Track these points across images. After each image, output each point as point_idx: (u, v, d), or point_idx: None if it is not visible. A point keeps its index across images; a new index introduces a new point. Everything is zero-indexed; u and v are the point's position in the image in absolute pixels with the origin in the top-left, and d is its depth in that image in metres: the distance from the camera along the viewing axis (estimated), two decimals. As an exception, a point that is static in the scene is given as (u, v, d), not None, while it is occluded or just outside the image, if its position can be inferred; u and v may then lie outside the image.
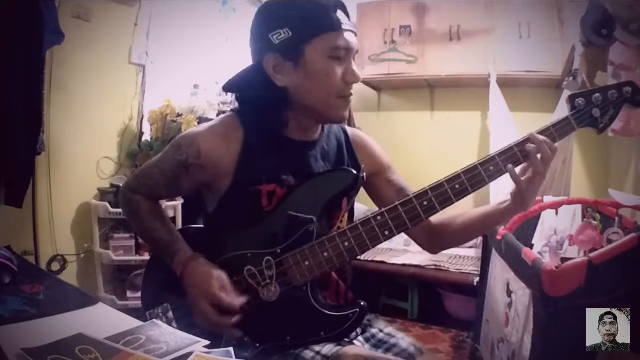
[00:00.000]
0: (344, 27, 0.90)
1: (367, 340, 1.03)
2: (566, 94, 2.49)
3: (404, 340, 1.04)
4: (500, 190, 2.49)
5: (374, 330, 1.06)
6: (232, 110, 1.03)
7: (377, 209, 0.96)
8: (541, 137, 0.91)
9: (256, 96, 0.96)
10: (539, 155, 0.90)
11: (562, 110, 2.47)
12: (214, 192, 0.98)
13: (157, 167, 1.00)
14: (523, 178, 0.91)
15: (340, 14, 0.91)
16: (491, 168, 0.91)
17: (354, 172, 0.96)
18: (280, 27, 0.89)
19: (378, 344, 1.02)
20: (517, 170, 0.91)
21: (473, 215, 1.02)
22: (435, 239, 1.08)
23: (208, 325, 0.89)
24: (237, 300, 0.89)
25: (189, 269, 0.93)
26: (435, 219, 1.01)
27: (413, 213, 0.90)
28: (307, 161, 0.99)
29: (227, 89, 1.01)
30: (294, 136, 0.99)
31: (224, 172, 0.95)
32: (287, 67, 0.91)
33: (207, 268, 0.92)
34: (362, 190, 1.08)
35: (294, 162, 0.98)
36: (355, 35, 0.94)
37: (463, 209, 1.04)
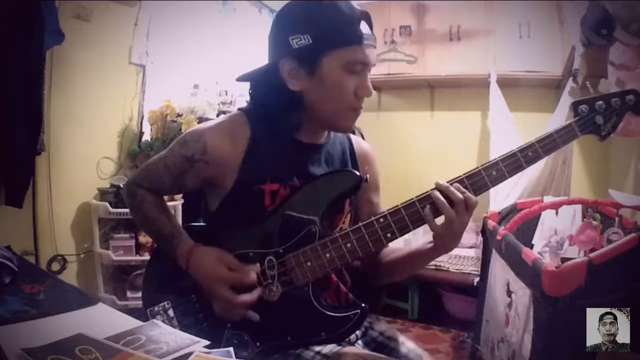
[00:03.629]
0: (365, 42, 0.89)
1: (367, 343, 1.03)
2: (566, 94, 2.49)
3: (404, 345, 1.04)
4: (500, 191, 2.49)
5: (374, 334, 1.06)
6: (240, 109, 1.03)
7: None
8: (444, 185, 0.87)
9: (267, 96, 0.96)
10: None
11: (562, 110, 2.47)
12: (218, 190, 0.98)
13: (162, 162, 1.00)
14: (439, 223, 0.89)
15: (363, 25, 0.90)
16: (494, 173, 0.90)
17: (358, 174, 0.96)
18: (301, 32, 0.88)
19: (378, 348, 1.02)
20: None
21: (400, 254, 1.02)
22: (372, 269, 1.07)
23: (229, 309, 0.89)
24: (251, 274, 0.89)
25: (194, 257, 0.93)
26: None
27: (415, 216, 0.89)
28: (311, 163, 0.99)
29: (241, 80, 1.01)
30: (301, 138, 0.99)
31: (228, 170, 0.95)
32: (302, 72, 0.91)
33: (212, 252, 0.92)
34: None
35: (299, 164, 0.98)
36: (375, 47, 0.94)
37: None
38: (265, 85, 0.96)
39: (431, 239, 0.93)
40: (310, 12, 0.90)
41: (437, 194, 0.87)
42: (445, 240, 0.90)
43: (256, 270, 0.91)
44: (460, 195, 0.86)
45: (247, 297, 0.89)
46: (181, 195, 2.45)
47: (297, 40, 0.88)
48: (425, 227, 0.90)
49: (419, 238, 2.35)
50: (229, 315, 0.91)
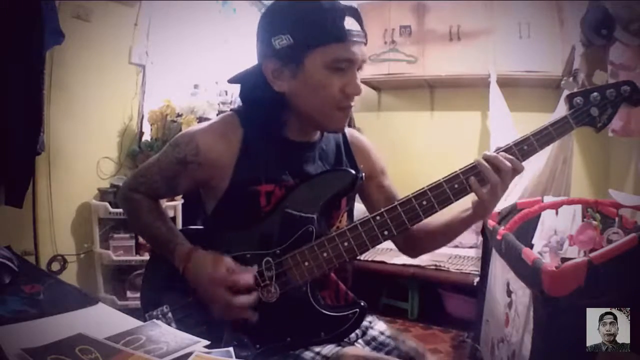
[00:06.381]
0: (349, 38, 0.87)
1: (367, 343, 1.03)
2: (565, 93, 2.49)
3: (405, 343, 1.03)
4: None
5: (374, 333, 1.05)
6: (232, 109, 1.03)
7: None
8: (492, 155, 0.89)
9: (254, 97, 0.96)
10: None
11: (562, 110, 2.47)
12: (213, 192, 0.98)
13: (155, 165, 1.00)
14: (484, 190, 0.89)
15: (349, 21, 0.88)
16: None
17: (353, 172, 0.95)
18: (282, 32, 0.87)
19: (379, 347, 1.02)
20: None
21: (437, 224, 1.01)
22: (411, 243, 1.07)
23: (227, 311, 0.89)
24: (248, 275, 0.89)
25: (192, 261, 0.93)
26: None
27: (412, 213, 0.90)
28: (305, 162, 0.99)
29: (232, 82, 1.00)
30: (293, 137, 0.98)
31: (222, 171, 0.95)
32: (286, 73, 0.90)
33: (209, 255, 0.92)
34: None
35: (293, 163, 0.97)
36: (365, 44, 0.92)
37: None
38: (252, 87, 0.96)
39: (465, 207, 0.95)
40: (290, 11, 0.89)
41: (484, 163, 0.88)
42: (488, 205, 0.90)
43: (253, 272, 0.91)
44: (509, 164, 0.88)
45: (245, 299, 0.88)
46: (181, 195, 2.45)
47: (279, 40, 0.87)
48: None
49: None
50: (227, 317, 0.90)
